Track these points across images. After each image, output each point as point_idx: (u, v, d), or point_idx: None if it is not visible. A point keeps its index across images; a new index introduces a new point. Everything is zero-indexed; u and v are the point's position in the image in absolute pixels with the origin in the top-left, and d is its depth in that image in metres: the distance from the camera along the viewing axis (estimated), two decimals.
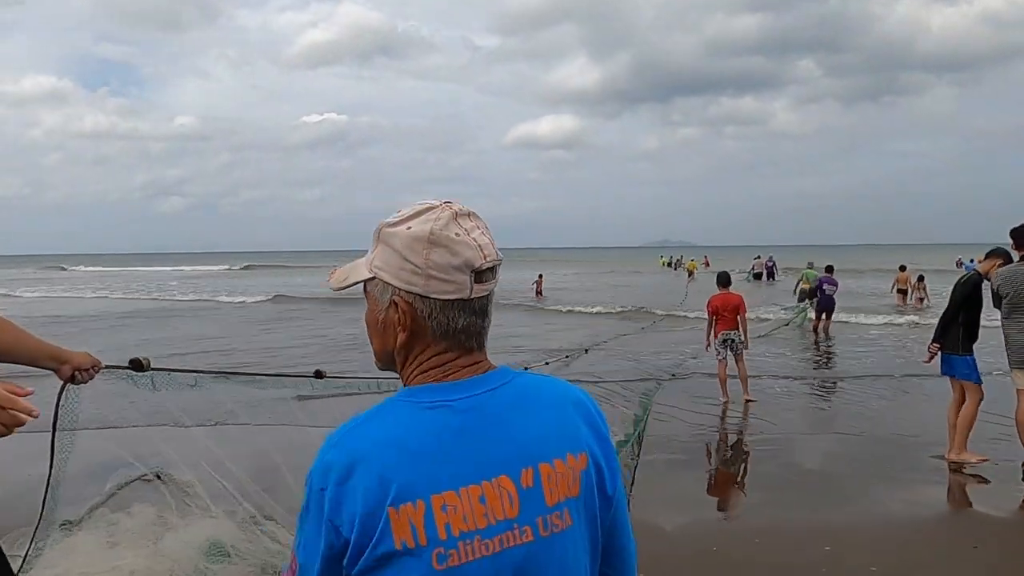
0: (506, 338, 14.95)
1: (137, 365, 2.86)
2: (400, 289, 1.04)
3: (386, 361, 1.12)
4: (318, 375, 4.35)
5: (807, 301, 17.73)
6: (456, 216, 1.05)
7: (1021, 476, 6.02)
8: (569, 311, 23.28)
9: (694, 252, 67.31)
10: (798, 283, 20.44)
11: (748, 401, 9.03)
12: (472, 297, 1.05)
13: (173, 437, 4.57)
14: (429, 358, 1.07)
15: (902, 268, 24.36)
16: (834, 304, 16.63)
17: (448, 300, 1.04)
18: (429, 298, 1.04)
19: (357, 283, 1.10)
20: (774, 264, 38.26)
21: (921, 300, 22.37)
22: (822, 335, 16.03)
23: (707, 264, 49.37)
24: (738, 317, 9.36)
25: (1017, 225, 6.06)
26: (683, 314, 20.04)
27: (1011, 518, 5.30)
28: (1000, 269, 6.09)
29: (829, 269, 17.47)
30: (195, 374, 3.63)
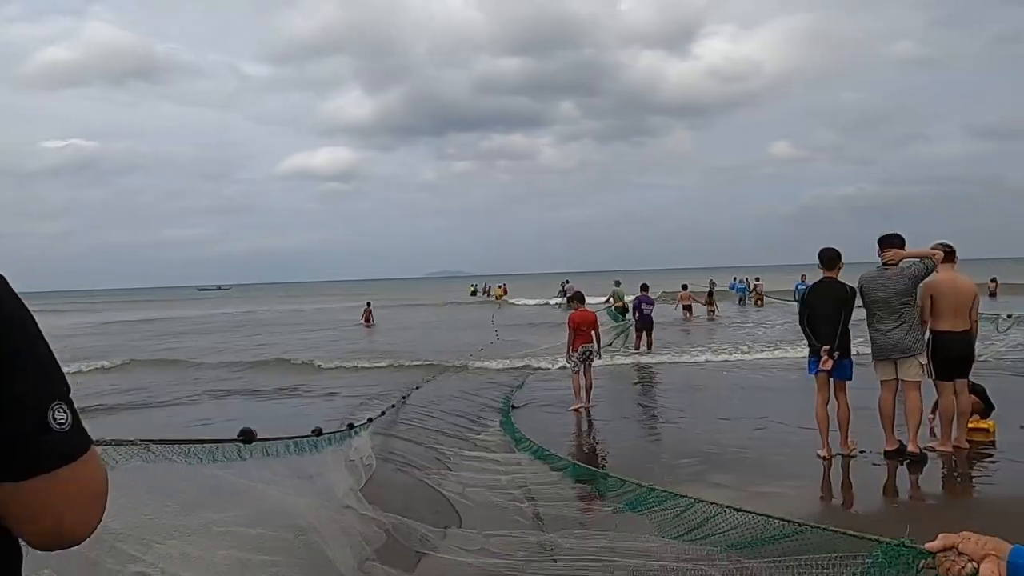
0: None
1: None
2: None
3: None
4: (247, 438, 3.55)
5: (628, 317, 17.96)
6: None
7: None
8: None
9: (474, 280, 69.56)
10: (608, 300, 21.36)
11: (589, 407, 9.98)
12: None
13: None
14: None
15: (684, 287, 26.74)
16: (652, 321, 17.02)
17: None
18: None
19: None
20: (572, 287, 41.18)
21: (713, 312, 25.69)
22: (644, 349, 16.46)
23: (505, 292, 51.05)
24: (592, 332, 10.27)
25: (822, 248, 6.94)
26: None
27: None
28: (861, 275, 6.66)
29: (644, 288, 17.54)
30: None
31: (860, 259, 7.35)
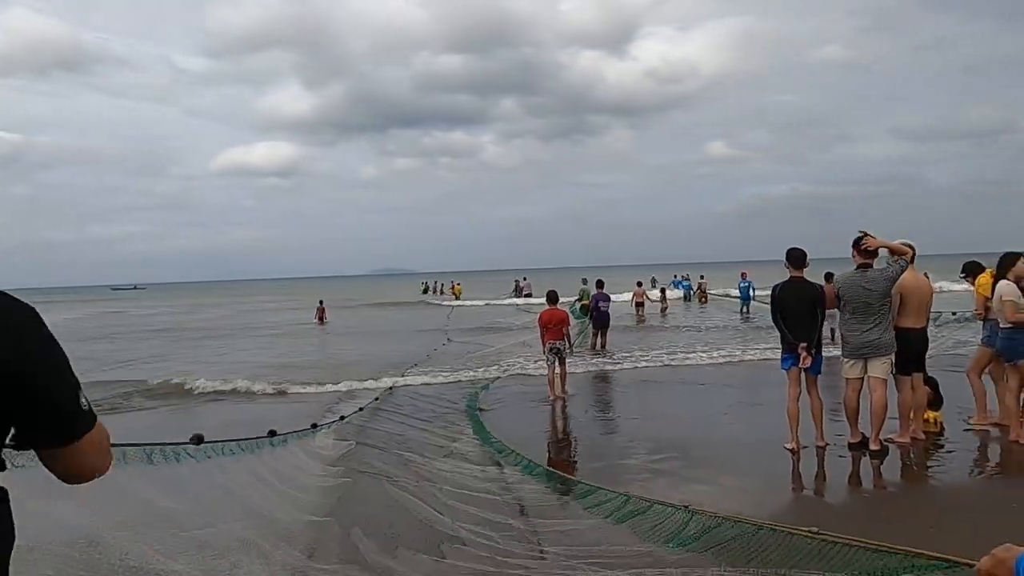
0: None
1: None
2: None
3: None
4: (198, 441, 3.93)
5: (587, 318, 17.64)
6: None
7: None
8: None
9: (424, 279, 68.77)
10: (578, 300, 21.34)
11: (565, 397, 10.65)
12: None
13: None
14: None
15: (639, 284, 27.25)
16: (609, 319, 16.99)
17: None
18: None
19: None
20: (529, 284, 42.24)
21: (664, 309, 26.49)
22: (600, 350, 16.38)
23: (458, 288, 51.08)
24: (564, 329, 10.72)
25: (790, 248, 7.21)
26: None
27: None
28: (838, 275, 7.01)
29: (600, 285, 17.47)
30: None
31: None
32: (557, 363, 10.70)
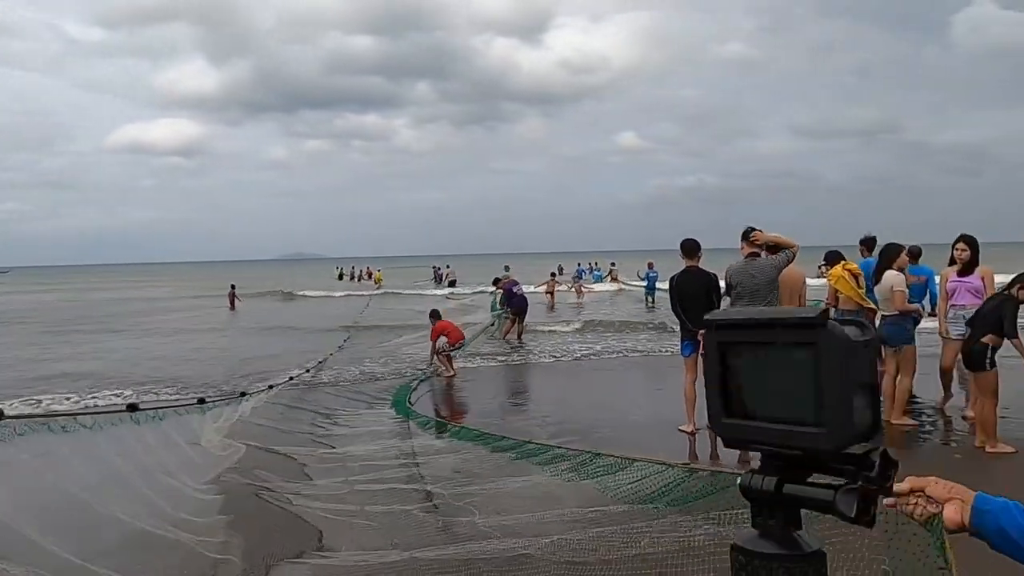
0: None
1: None
2: None
3: None
4: (132, 408, 3.88)
5: (504, 308, 16.77)
6: None
7: None
8: None
9: (329, 263, 66.63)
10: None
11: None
12: None
13: None
14: None
15: (553, 274, 27.97)
16: (527, 304, 16.39)
17: None
18: None
19: None
20: (452, 271, 41.77)
21: (579, 294, 27.49)
22: (515, 339, 15.83)
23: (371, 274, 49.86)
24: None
25: (683, 239, 7.61)
26: None
27: None
28: (729, 264, 7.37)
29: (507, 269, 17.95)
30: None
31: (710, 246, 8.12)
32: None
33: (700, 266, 7.57)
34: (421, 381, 11.22)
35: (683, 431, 7.41)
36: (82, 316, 28.54)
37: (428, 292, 35.70)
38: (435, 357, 11.95)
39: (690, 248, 7.55)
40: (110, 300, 39.68)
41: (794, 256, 7.10)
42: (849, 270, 7.95)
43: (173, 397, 10.35)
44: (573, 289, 28.65)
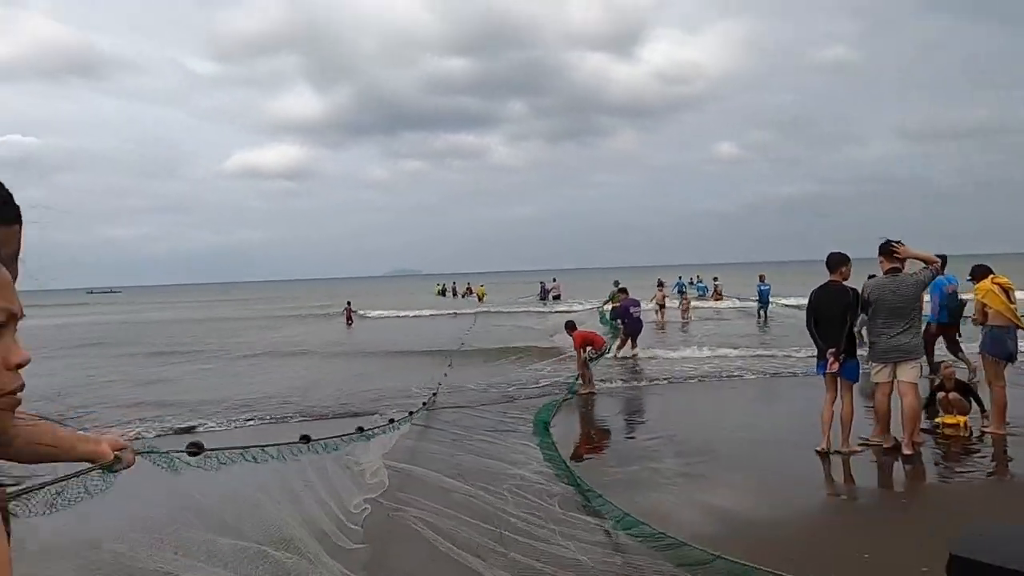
0: None
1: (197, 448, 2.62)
2: None
3: None
4: (305, 439, 4.08)
5: (618, 322, 16.24)
6: None
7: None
8: None
9: (429, 280, 66.94)
10: (607, 301, 21.18)
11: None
12: None
13: None
14: None
15: (660, 285, 25.91)
16: (642, 326, 16.13)
17: None
18: None
19: None
20: (558, 286, 41.61)
21: (686, 311, 26.60)
22: (628, 356, 15.39)
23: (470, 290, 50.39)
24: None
25: (830, 252, 7.32)
26: None
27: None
28: (867, 281, 7.19)
29: (623, 291, 16.68)
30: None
31: (810, 257, 7.75)
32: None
33: (842, 282, 7.25)
34: (565, 400, 10.91)
35: (818, 451, 7.23)
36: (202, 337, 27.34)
37: (534, 308, 34.57)
38: (583, 370, 11.70)
39: (836, 262, 7.22)
40: (233, 319, 40.50)
41: (938, 273, 6.88)
42: (999, 284, 7.58)
43: (330, 420, 10.38)
44: (680, 307, 27.50)
